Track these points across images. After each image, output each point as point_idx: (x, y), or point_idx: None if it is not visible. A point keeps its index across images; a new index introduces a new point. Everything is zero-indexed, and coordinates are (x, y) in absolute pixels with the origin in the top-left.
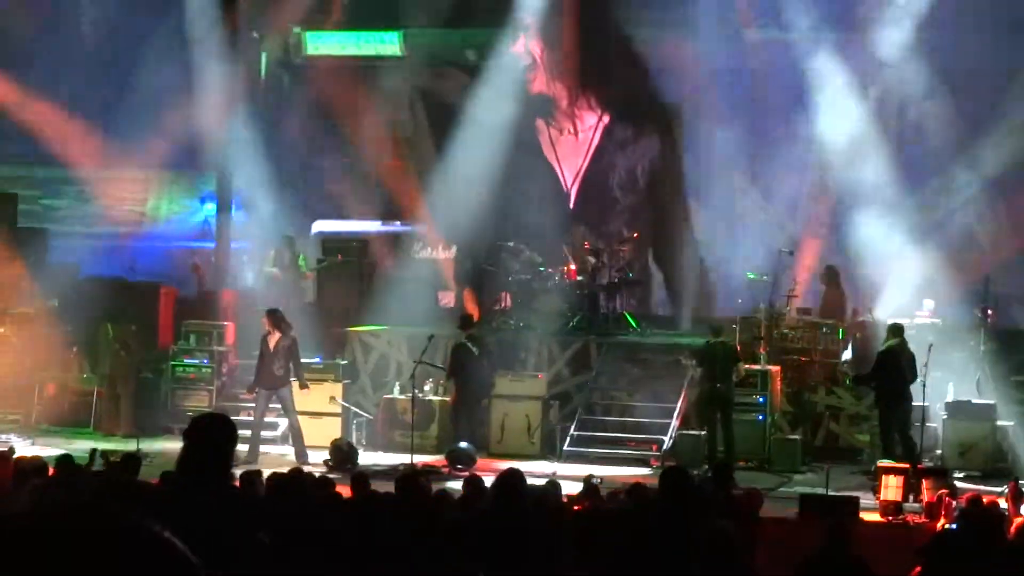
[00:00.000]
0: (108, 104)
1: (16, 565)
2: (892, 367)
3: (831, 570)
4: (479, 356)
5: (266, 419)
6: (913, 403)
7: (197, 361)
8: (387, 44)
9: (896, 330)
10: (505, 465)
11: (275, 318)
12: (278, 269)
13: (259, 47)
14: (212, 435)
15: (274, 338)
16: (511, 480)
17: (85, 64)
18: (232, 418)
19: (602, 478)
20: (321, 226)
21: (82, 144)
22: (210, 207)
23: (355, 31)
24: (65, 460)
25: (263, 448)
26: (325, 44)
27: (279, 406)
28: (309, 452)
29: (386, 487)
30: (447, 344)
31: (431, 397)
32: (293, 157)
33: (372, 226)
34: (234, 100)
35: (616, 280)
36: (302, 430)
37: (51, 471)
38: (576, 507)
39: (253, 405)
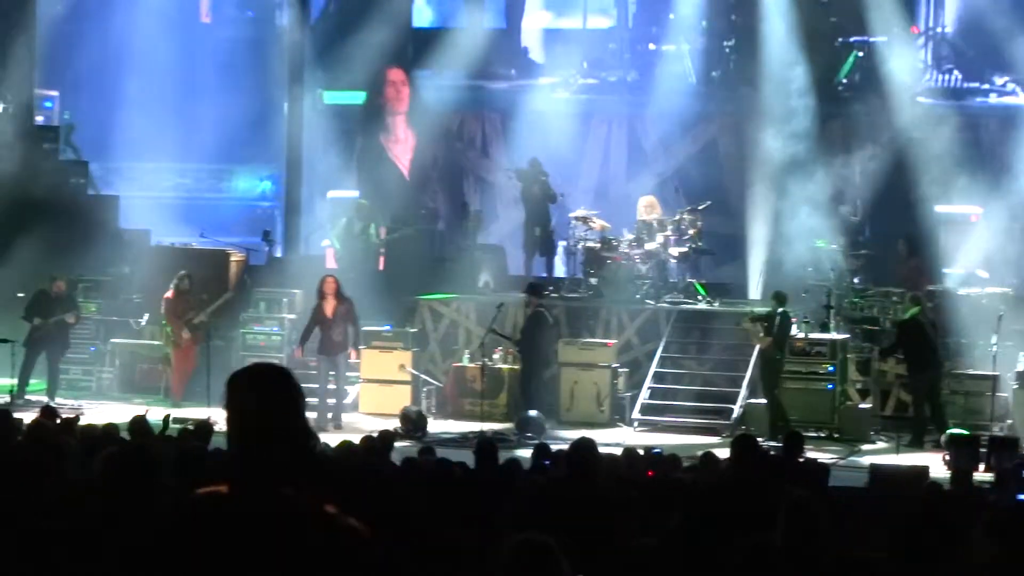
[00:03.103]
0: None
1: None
2: (915, 336)
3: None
4: (552, 324)
5: (330, 387)
6: (941, 370)
7: (267, 329)
8: None
9: (916, 299)
10: (575, 434)
11: (337, 284)
12: (346, 237)
13: None
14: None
15: (331, 304)
16: (584, 449)
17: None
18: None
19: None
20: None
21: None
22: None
23: None
24: (139, 426)
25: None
26: None
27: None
28: (380, 420)
29: (456, 455)
30: (515, 312)
31: (500, 365)
32: None
33: None
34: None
35: (686, 249)
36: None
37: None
38: (648, 473)
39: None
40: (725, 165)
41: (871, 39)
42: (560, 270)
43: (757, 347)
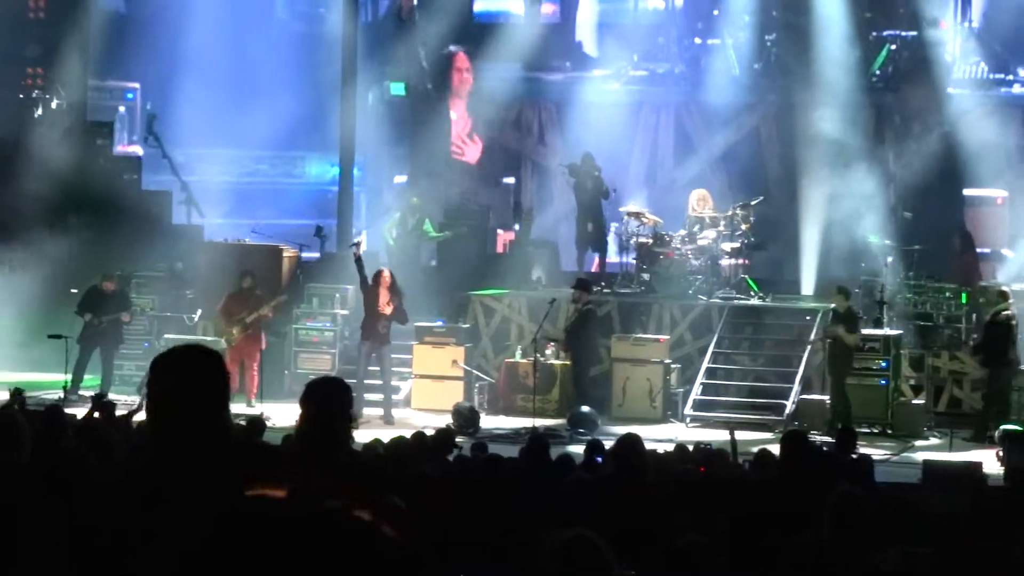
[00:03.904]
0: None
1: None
2: (1001, 332)
3: None
4: (600, 320)
5: (392, 382)
6: (1018, 367)
7: (320, 324)
8: None
9: (1004, 295)
10: (627, 430)
11: (392, 278)
12: (400, 232)
13: None
14: (329, 398)
15: (385, 296)
16: (630, 445)
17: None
18: (351, 382)
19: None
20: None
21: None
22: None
23: None
24: None
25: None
26: None
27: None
28: (432, 415)
29: (508, 451)
30: (567, 308)
31: (552, 361)
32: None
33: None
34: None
35: (738, 244)
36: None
37: None
38: (700, 469)
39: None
40: (767, 153)
41: (904, 32)
42: (612, 265)
43: (827, 341)
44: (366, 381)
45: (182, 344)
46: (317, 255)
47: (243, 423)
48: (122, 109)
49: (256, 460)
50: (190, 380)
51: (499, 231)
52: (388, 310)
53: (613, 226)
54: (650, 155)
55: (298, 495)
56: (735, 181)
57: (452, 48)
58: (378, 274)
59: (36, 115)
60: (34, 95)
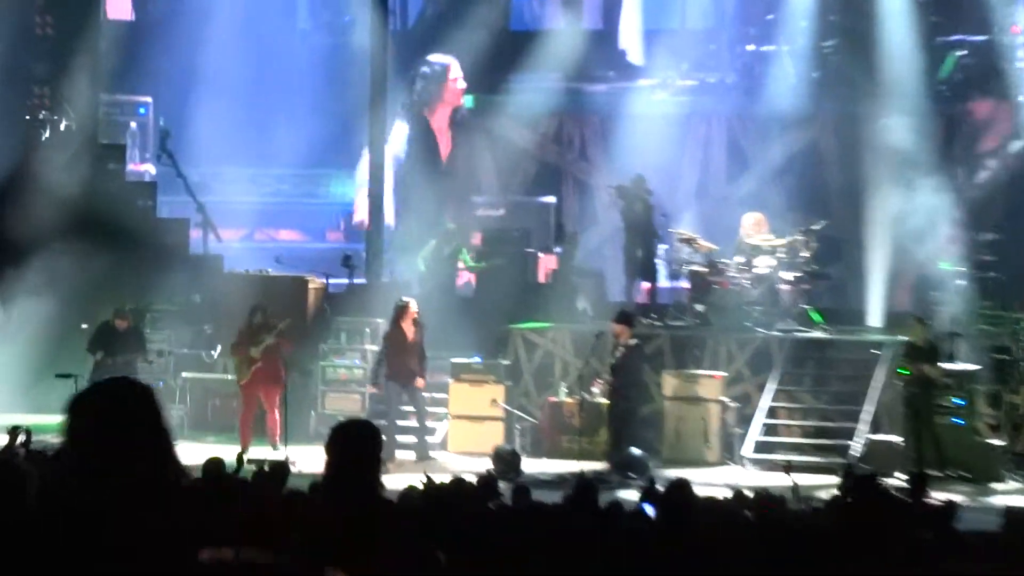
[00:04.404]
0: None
1: None
2: None
3: None
4: (650, 355)
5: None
6: None
7: (348, 361)
8: None
9: None
10: (680, 474)
11: (417, 309)
12: (435, 260)
13: None
14: (356, 444)
15: (411, 330)
16: (678, 490)
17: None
18: (382, 423)
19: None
20: None
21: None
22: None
23: None
24: (212, 467)
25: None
26: None
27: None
28: (470, 459)
29: (552, 497)
30: (611, 343)
31: (600, 400)
32: None
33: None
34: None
35: (799, 273)
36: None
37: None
38: (761, 511)
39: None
40: (826, 167)
41: (973, 37)
42: (663, 292)
43: (881, 379)
44: (399, 422)
45: (103, 381)
46: (345, 283)
47: (266, 468)
48: (133, 125)
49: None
50: (104, 419)
51: (539, 255)
52: (416, 342)
53: (662, 248)
54: (701, 170)
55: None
56: (792, 197)
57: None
58: (404, 307)
59: (44, 138)
60: (41, 116)
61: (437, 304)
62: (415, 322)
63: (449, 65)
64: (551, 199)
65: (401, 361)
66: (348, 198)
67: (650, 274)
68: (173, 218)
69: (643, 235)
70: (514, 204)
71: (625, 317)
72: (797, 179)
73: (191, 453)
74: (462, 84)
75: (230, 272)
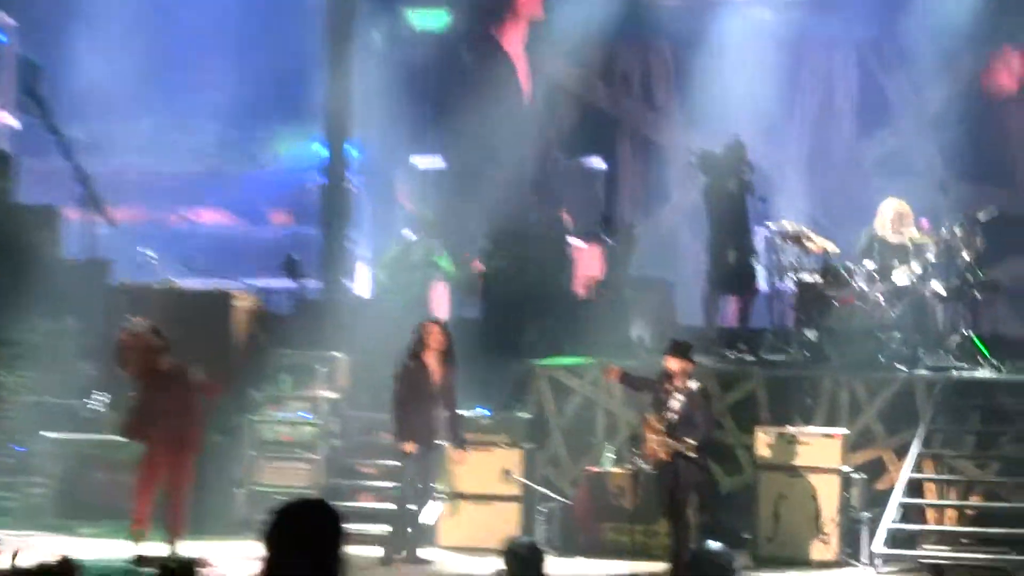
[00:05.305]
0: None
1: None
2: None
3: None
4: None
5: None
6: None
7: (292, 415)
8: None
9: None
10: None
11: (448, 338)
12: (399, 266)
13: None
14: (307, 536)
15: (437, 368)
16: None
17: None
18: (347, 505)
19: None
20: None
21: None
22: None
23: None
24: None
25: None
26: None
27: None
28: (471, 558)
29: None
30: (667, 386)
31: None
32: None
33: None
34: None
35: (958, 283)
36: None
37: None
38: None
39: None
40: (1005, 118)
41: None
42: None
43: None
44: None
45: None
46: (290, 302)
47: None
48: None
49: None
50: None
51: (574, 254)
52: (445, 386)
53: (762, 234)
54: (817, 121)
55: None
56: (952, 164)
57: None
58: (425, 331)
59: None
60: None
61: (406, 329)
62: (444, 355)
63: None
64: (599, 163)
65: (421, 413)
66: (303, 164)
67: (745, 285)
68: (38, 205)
69: (737, 227)
70: (542, 172)
71: (681, 349)
72: (959, 136)
73: (52, 549)
74: None
75: (121, 284)
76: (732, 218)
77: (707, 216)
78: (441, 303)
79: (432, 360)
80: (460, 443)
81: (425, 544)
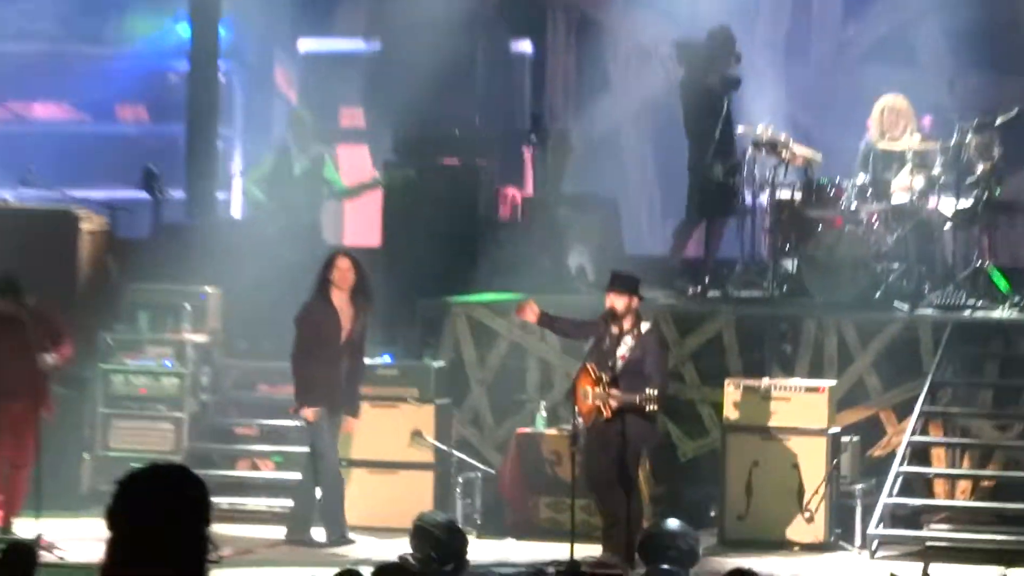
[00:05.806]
0: None
1: None
2: None
3: None
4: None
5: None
6: None
7: (153, 363)
8: None
9: None
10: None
11: (358, 272)
12: (276, 178)
13: None
14: (160, 511)
15: (346, 309)
16: None
17: None
18: (218, 473)
19: None
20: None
21: None
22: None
23: None
24: None
25: None
26: None
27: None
28: (375, 539)
29: None
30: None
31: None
32: None
33: None
34: None
35: (970, 203)
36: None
37: None
38: None
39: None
40: None
41: None
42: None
43: None
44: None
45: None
46: (148, 223)
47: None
48: None
49: None
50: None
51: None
52: (356, 334)
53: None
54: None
55: None
56: (961, 52)
57: None
58: (332, 264)
59: None
60: None
61: (303, 262)
62: (355, 294)
63: None
64: (525, 46)
65: (329, 368)
66: (163, 47)
67: (725, 206)
68: None
69: (722, 136)
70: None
71: (626, 282)
72: (975, 16)
73: None
74: None
75: None
76: (715, 124)
77: (684, 121)
78: (337, 227)
79: (342, 302)
80: (354, 410)
81: (317, 523)
